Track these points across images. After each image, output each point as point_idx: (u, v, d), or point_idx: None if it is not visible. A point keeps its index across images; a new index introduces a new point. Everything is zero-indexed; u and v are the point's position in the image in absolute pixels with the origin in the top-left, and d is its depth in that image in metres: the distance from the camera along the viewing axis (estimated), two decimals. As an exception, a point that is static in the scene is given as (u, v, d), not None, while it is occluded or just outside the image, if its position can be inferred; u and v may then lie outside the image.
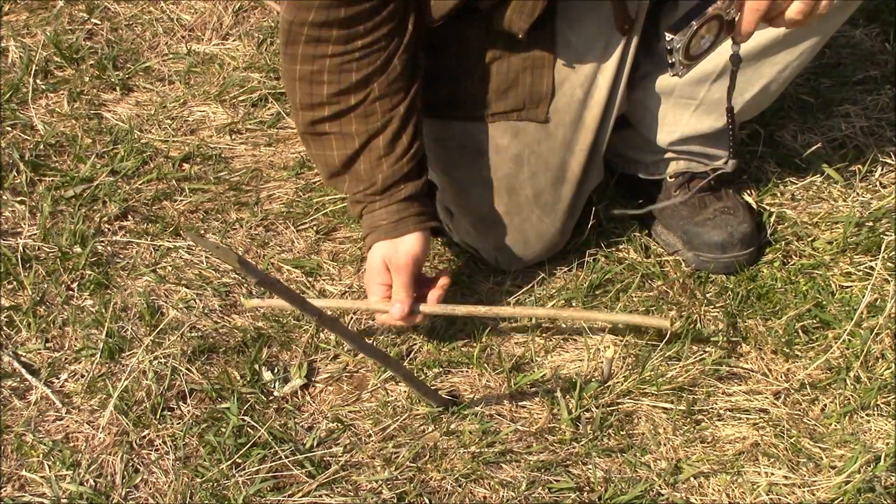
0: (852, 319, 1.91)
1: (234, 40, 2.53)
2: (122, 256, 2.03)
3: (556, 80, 1.87)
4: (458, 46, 1.85)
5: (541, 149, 1.92)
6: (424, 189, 1.84)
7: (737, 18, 1.66)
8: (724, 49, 1.84)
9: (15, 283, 1.96)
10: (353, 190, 1.81)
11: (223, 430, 1.74)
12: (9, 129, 2.25)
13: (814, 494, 1.71)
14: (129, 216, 2.11)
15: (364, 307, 1.87)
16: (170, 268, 2.02)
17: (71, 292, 1.95)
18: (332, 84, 1.74)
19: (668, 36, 1.67)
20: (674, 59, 1.68)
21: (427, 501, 1.68)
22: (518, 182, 1.93)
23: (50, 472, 1.69)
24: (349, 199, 1.85)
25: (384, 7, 1.69)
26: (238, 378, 1.83)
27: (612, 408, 1.82)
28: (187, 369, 1.83)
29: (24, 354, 1.86)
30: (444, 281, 1.84)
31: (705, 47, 1.69)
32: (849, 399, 1.84)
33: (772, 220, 2.11)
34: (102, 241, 2.05)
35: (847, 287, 2.01)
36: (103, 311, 1.90)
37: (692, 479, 1.73)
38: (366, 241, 1.83)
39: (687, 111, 1.99)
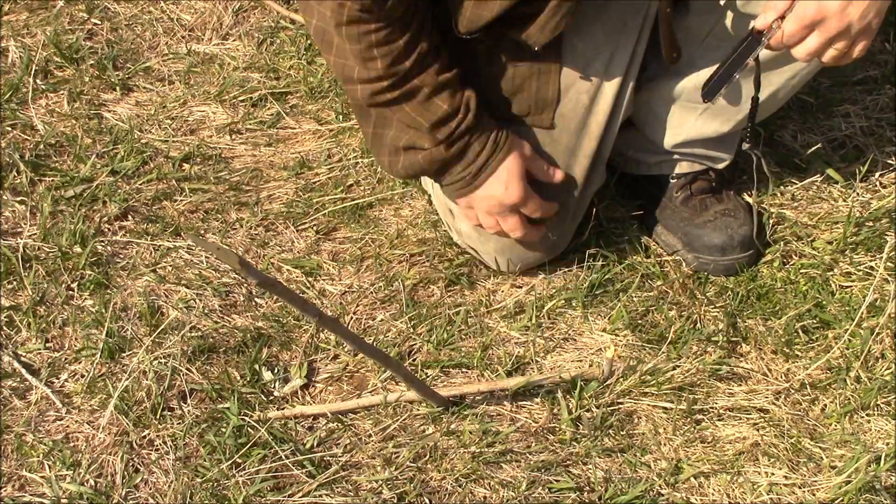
0: (852, 319, 1.92)
1: (234, 40, 2.53)
2: (122, 256, 2.03)
3: (561, 86, 1.87)
4: (464, 52, 1.84)
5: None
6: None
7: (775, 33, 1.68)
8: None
9: (15, 283, 1.96)
10: (447, 131, 1.77)
11: (223, 430, 1.74)
12: (9, 129, 2.25)
13: (814, 494, 1.71)
14: (129, 216, 2.11)
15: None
16: (170, 268, 2.02)
17: (71, 292, 1.95)
18: (385, 57, 1.71)
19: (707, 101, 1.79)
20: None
21: (427, 501, 1.68)
22: (520, 185, 1.93)
23: (50, 472, 1.69)
24: (430, 156, 1.80)
25: None
26: (238, 378, 1.83)
27: (612, 408, 1.82)
28: (187, 369, 1.83)
29: (24, 354, 1.86)
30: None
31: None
32: (849, 399, 1.84)
33: (772, 220, 2.11)
34: (102, 241, 2.05)
35: (847, 287, 2.01)
36: (103, 311, 1.90)
37: (692, 479, 1.73)
38: (486, 167, 1.82)
39: (693, 114, 1.98)
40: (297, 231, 2.11)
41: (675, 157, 2.07)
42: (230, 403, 1.78)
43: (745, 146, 1.90)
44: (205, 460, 1.71)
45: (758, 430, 1.80)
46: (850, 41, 1.66)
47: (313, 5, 1.70)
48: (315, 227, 2.11)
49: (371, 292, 2.00)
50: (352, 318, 1.96)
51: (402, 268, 2.04)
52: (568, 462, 1.75)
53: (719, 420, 1.82)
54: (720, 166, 2.08)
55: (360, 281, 2.02)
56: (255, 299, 1.98)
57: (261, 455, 1.71)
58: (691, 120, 1.99)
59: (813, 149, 2.23)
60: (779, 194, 2.16)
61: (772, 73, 1.88)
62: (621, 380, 1.83)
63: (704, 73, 1.90)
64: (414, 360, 1.89)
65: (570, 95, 1.88)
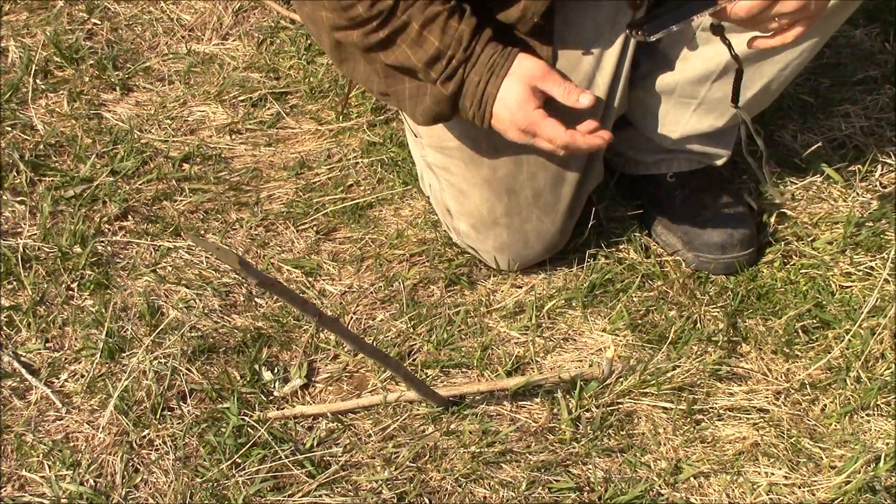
0: (852, 319, 1.92)
1: (234, 40, 2.53)
2: (122, 256, 2.03)
3: None
4: None
5: (540, 149, 1.92)
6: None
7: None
8: (725, 49, 1.84)
9: (15, 283, 1.96)
10: (440, 69, 1.73)
11: (223, 430, 1.74)
12: (9, 129, 2.25)
13: (814, 494, 1.71)
14: (129, 216, 2.11)
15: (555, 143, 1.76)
16: (170, 268, 2.02)
17: (71, 292, 1.95)
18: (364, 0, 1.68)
19: (635, 33, 1.70)
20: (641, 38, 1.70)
21: (427, 501, 1.68)
22: (517, 183, 1.93)
23: (50, 472, 1.69)
24: (435, 97, 1.76)
25: None
26: (238, 378, 1.83)
27: (612, 408, 1.82)
28: (187, 369, 1.83)
29: (24, 354, 1.86)
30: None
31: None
32: (849, 399, 1.84)
33: (772, 220, 2.11)
34: (102, 241, 2.05)
35: (847, 287, 2.01)
36: (103, 311, 1.90)
37: (692, 479, 1.73)
38: (487, 95, 1.75)
39: (688, 110, 1.99)
40: (297, 231, 2.11)
41: (673, 155, 2.07)
42: (230, 403, 1.78)
43: (731, 108, 1.84)
44: (205, 460, 1.71)
45: (758, 430, 1.80)
46: (797, 21, 1.66)
47: None
48: (315, 227, 2.11)
49: (371, 292, 2.00)
50: (352, 318, 1.96)
51: (402, 268, 2.04)
52: (568, 462, 1.75)
53: (719, 420, 1.82)
54: (718, 163, 2.08)
55: (360, 281, 2.02)
56: (255, 299, 1.98)
57: (261, 455, 1.71)
58: (686, 116, 2.00)
59: (813, 149, 2.23)
60: (779, 194, 2.17)
61: (763, 63, 1.88)
62: (621, 380, 1.83)
63: (699, 70, 1.90)
64: (414, 360, 1.89)
65: None
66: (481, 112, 1.78)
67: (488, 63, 1.75)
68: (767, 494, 1.71)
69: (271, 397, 1.82)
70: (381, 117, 2.32)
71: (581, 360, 1.90)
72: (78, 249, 2.01)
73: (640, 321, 1.96)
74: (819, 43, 1.90)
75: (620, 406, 1.83)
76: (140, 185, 2.16)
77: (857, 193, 2.15)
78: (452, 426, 1.78)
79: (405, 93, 1.81)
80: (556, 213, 1.96)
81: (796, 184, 2.18)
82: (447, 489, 1.70)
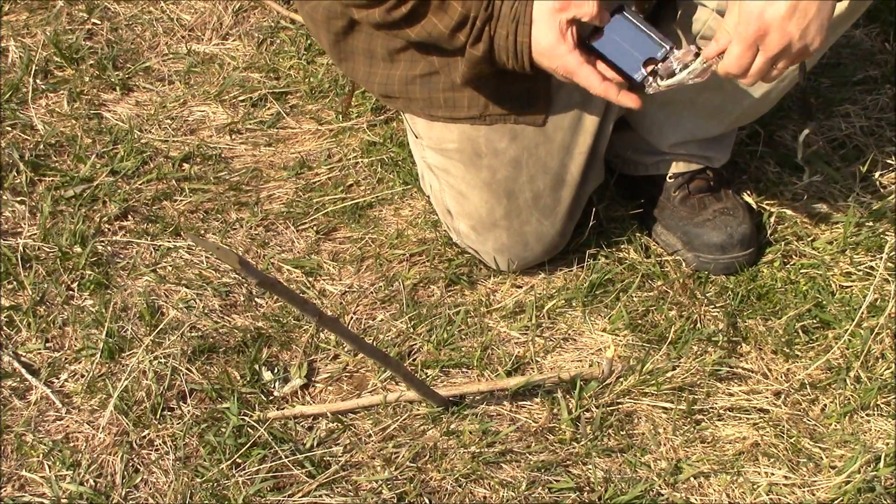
0: (852, 319, 1.92)
1: (234, 40, 2.53)
2: (122, 256, 2.03)
3: (553, 82, 1.87)
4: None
5: (539, 152, 1.92)
6: None
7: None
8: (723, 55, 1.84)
9: (15, 283, 1.96)
10: (466, 32, 1.71)
11: (223, 430, 1.74)
12: (9, 129, 2.25)
13: (814, 494, 1.71)
14: (129, 216, 2.11)
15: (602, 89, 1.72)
16: (170, 268, 2.02)
17: (71, 292, 1.95)
18: None
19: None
20: (650, 85, 1.70)
21: (427, 501, 1.68)
22: (517, 185, 1.93)
23: (50, 472, 1.69)
24: (469, 61, 1.75)
25: None
26: (238, 378, 1.83)
27: (612, 408, 1.82)
28: (187, 369, 1.83)
29: (24, 354, 1.86)
30: None
31: (678, 72, 1.69)
32: (849, 399, 1.84)
33: (772, 220, 2.11)
34: (102, 241, 2.05)
35: (847, 287, 2.01)
36: (103, 311, 1.90)
37: (692, 479, 1.73)
38: (521, 45, 1.70)
39: (687, 115, 1.99)
40: (297, 231, 2.11)
41: (672, 156, 2.07)
42: (230, 403, 1.78)
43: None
44: (205, 460, 1.71)
45: (758, 430, 1.80)
46: (791, 59, 1.65)
47: None
48: (315, 227, 2.11)
49: (371, 292, 2.00)
50: (352, 318, 1.96)
51: (402, 268, 2.04)
52: (568, 462, 1.75)
53: (719, 420, 1.82)
54: (717, 165, 2.08)
55: (360, 281, 2.02)
56: (255, 299, 1.98)
57: (261, 455, 1.71)
58: (685, 121, 2.00)
59: (813, 149, 2.23)
60: (779, 194, 2.17)
61: None
62: (621, 380, 1.83)
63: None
64: (414, 360, 1.89)
65: (563, 92, 1.88)
66: (520, 63, 1.73)
67: (511, 14, 1.70)
68: (767, 494, 1.72)
69: (271, 397, 1.82)
70: (382, 117, 2.32)
71: (581, 360, 1.90)
72: (78, 249, 2.01)
73: (640, 321, 1.96)
74: (820, 51, 1.90)
75: (620, 406, 1.83)
76: (140, 185, 2.16)
77: (857, 193, 2.15)
78: (452, 426, 1.78)
79: (435, 64, 1.80)
80: (556, 216, 1.96)
81: (796, 184, 2.18)
82: (447, 489, 1.70)
